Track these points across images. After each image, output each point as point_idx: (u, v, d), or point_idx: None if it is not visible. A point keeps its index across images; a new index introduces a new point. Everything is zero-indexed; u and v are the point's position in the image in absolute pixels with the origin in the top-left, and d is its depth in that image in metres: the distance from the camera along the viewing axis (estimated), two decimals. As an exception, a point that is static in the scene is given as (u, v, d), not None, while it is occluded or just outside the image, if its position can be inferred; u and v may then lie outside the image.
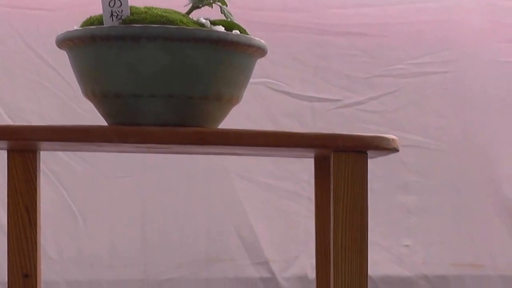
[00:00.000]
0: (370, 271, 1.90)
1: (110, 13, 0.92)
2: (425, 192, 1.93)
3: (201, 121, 0.97)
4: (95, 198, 1.85)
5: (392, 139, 0.92)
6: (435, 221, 1.93)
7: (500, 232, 1.94)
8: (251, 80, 1.95)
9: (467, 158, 1.94)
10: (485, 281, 1.92)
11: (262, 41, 0.95)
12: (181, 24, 0.93)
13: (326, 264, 1.08)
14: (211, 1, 0.97)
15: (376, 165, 1.93)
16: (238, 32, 0.94)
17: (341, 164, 0.91)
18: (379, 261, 1.90)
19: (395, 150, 0.93)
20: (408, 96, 1.96)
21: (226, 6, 0.98)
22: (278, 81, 1.91)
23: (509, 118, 1.97)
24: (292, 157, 1.15)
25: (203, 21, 0.95)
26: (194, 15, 0.97)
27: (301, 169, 1.87)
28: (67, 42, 0.93)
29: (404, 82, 1.96)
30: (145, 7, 0.95)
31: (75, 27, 0.94)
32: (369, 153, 0.92)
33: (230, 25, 0.95)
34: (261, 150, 0.98)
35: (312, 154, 1.10)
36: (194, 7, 0.98)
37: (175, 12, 0.95)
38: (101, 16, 0.94)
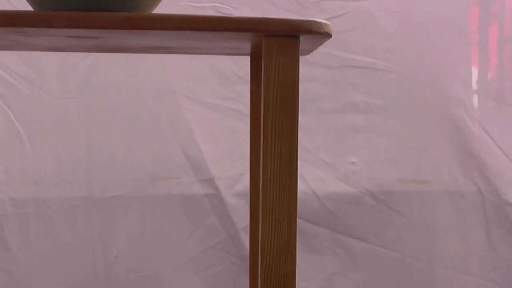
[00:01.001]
0: (316, 189, 1.92)
1: None
2: (373, 112, 1.93)
3: (133, 8, 0.96)
4: (41, 119, 1.83)
5: (325, 24, 0.91)
6: (382, 139, 1.94)
7: (446, 149, 1.95)
8: (199, 4, 1.93)
9: (416, 79, 1.94)
10: (430, 196, 1.94)
11: None
12: None
13: (258, 167, 1.08)
14: None
15: (324, 85, 1.93)
16: None
17: (273, 49, 0.90)
18: (325, 178, 1.90)
19: (328, 35, 0.91)
20: (357, 19, 1.95)
21: None
22: (227, 5, 1.89)
23: (458, 40, 1.97)
24: (228, 53, 1.14)
25: None
26: None
27: (248, 90, 1.86)
28: None
29: (354, 5, 1.95)
30: None
31: None
32: (302, 38, 0.91)
33: None
34: (194, 39, 0.97)
35: (248, 50, 1.09)
36: None
37: None
38: None
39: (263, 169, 0.79)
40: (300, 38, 0.91)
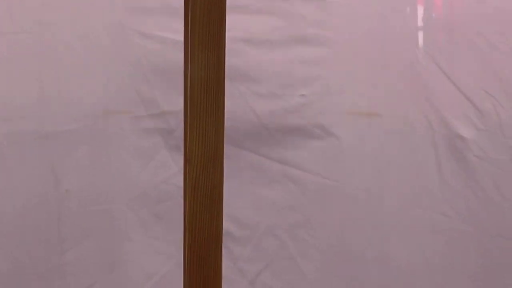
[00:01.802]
0: (266, 121, 1.92)
1: None
2: (324, 44, 1.93)
3: None
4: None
5: None
6: (333, 72, 1.94)
7: (397, 83, 1.96)
8: None
9: (371, 11, 1.94)
10: (381, 129, 1.95)
11: None
12: None
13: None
14: None
15: (274, 17, 1.92)
16: None
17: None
18: (275, 110, 1.90)
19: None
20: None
21: None
22: None
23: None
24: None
25: None
26: None
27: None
28: None
29: None
30: None
31: None
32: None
33: None
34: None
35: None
36: None
37: None
38: None
39: (191, 78, 0.78)
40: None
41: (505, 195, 2.00)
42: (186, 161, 0.77)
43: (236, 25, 1.88)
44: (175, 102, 1.87)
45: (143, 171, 1.87)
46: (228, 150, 1.90)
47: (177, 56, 1.86)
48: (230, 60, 1.90)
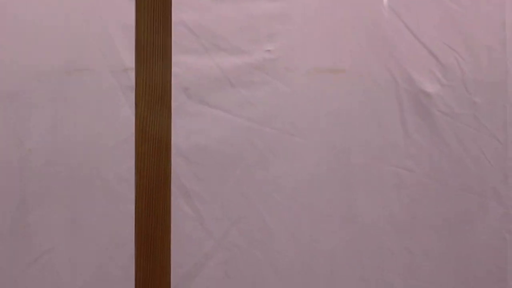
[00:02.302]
0: (230, 75, 1.91)
1: None
2: (289, 0, 1.92)
3: None
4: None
5: None
6: (298, 28, 1.93)
7: (361, 38, 1.95)
8: None
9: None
10: (346, 85, 1.95)
11: None
12: None
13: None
14: None
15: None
16: None
17: None
18: (241, 65, 1.89)
19: None
20: None
21: None
22: None
23: None
24: None
25: None
26: None
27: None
28: None
29: None
30: None
31: None
32: None
33: None
34: None
35: None
36: None
37: None
38: None
39: (137, 21, 0.77)
40: None
41: (469, 150, 2.00)
42: (135, 105, 0.76)
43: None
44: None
45: (106, 129, 1.86)
46: (193, 106, 1.89)
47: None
48: (194, 15, 1.89)
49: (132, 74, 1.86)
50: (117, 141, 1.86)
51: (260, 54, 1.91)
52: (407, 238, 1.99)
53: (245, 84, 1.90)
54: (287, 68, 1.92)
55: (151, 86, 0.74)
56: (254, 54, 1.90)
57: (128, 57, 1.85)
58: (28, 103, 1.82)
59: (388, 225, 1.99)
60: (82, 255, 1.86)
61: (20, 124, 1.82)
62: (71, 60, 1.83)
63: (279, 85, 1.91)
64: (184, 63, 1.88)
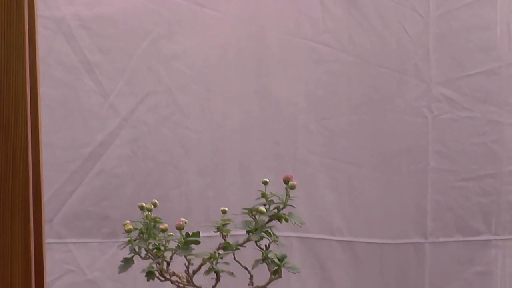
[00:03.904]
0: None
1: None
2: None
3: None
4: None
5: None
6: None
7: None
8: None
9: None
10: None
11: None
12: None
13: None
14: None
15: None
16: None
17: None
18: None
19: None
20: None
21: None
22: None
23: None
24: None
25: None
26: None
27: None
28: None
29: None
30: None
31: None
32: None
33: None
34: None
35: None
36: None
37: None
38: None
39: None
40: None
41: (389, 25, 1.92)
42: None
43: None
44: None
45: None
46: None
47: None
48: None
49: None
50: None
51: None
52: (324, 115, 1.91)
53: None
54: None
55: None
56: None
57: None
58: None
59: (304, 102, 1.91)
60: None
61: None
62: None
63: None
64: None
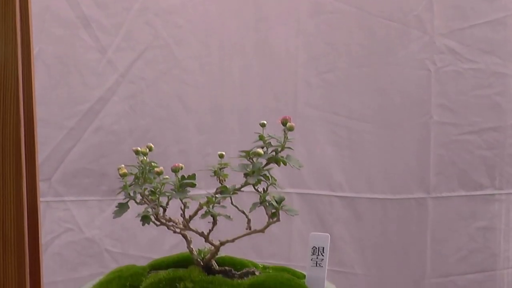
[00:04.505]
0: None
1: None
2: None
3: None
4: None
5: None
6: None
7: None
8: None
9: None
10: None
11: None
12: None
13: None
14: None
15: None
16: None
17: None
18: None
19: None
20: None
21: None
22: None
23: None
24: None
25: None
26: None
27: None
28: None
29: None
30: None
31: None
32: None
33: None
34: None
35: None
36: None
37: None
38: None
39: None
40: None
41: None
42: None
43: None
44: None
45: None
46: None
47: None
48: None
49: None
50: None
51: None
52: (324, 69, 1.88)
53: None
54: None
55: None
56: None
57: None
58: None
59: (303, 55, 1.88)
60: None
61: None
62: None
63: None
64: None
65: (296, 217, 1.90)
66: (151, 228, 1.84)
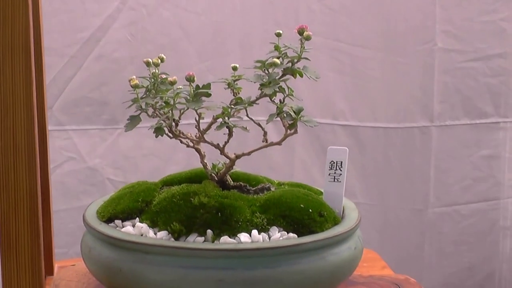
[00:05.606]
0: None
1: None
2: None
3: None
4: None
5: None
6: None
7: None
8: None
9: None
10: None
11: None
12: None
13: None
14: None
15: None
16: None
17: None
18: None
19: None
20: None
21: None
22: None
23: None
24: None
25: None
26: None
27: None
28: None
29: None
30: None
31: None
32: None
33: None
34: None
35: None
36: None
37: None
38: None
39: None
40: None
41: None
42: None
43: None
44: None
45: None
46: None
47: None
48: None
49: None
50: None
51: None
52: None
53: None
54: None
55: None
56: None
57: None
58: None
59: None
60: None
61: None
62: None
63: None
64: None
65: (299, 146, 1.89)
66: (153, 157, 1.83)
